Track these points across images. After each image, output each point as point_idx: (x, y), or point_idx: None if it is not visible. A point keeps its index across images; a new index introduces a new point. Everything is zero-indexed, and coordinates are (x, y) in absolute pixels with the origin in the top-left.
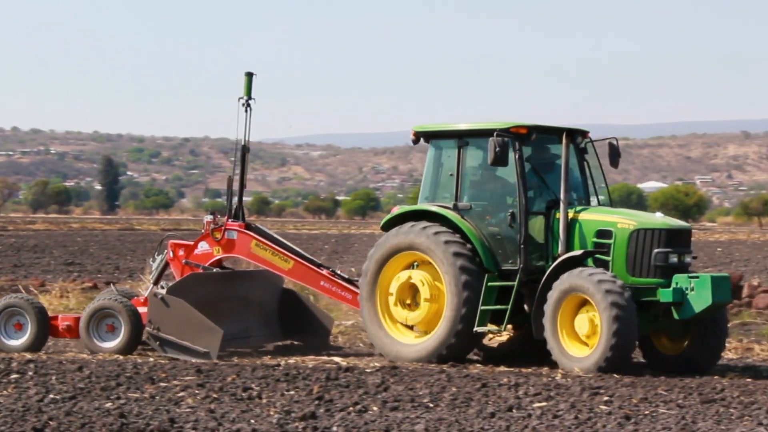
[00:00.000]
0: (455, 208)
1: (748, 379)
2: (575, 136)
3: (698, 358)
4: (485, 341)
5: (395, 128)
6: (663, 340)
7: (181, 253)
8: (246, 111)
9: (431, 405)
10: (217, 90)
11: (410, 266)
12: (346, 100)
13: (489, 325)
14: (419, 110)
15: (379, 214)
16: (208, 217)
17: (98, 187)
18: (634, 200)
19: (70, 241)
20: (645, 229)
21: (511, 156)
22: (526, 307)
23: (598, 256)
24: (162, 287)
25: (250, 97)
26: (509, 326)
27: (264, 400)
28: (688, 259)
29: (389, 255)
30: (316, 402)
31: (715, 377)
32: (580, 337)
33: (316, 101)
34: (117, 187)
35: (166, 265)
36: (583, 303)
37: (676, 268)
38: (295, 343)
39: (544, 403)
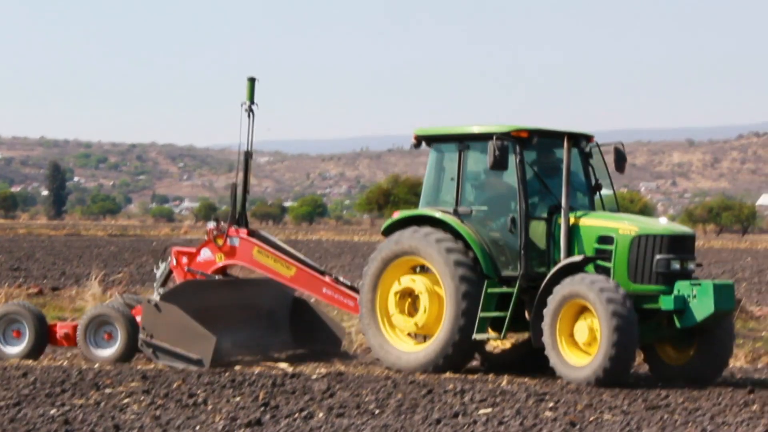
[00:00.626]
0: (455, 213)
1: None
2: (579, 140)
3: (704, 368)
4: (489, 349)
5: (342, 134)
6: (668, 349)
7: (184, 260)
8: (249, 116)
9: (377, 411)
10: (164, 96)
11: (410, 272)
12: (293, 106)
13: (489, 332)
14: (367, 117)
15: (326, 220)
16: (211, 224)
17: (45, 192)
18: None
19: (16, 247)
20: (647, 235)
21: (512, 160)
22: (527, 314)
23: (599, 262)
24: (158, 294)
25: (252, 102)
26: (513, 334)
27: (209, 407)
28: (691, 266)
29: (389, 260)
30: (262, 408)
31: (660, 390)
32: (579, 345)
33: (263, 107)
34: (64, 193)
35: (170, 273)
36: (583, 310)
37: (678, 275)
38: (301, 350)
39: (489, 410)
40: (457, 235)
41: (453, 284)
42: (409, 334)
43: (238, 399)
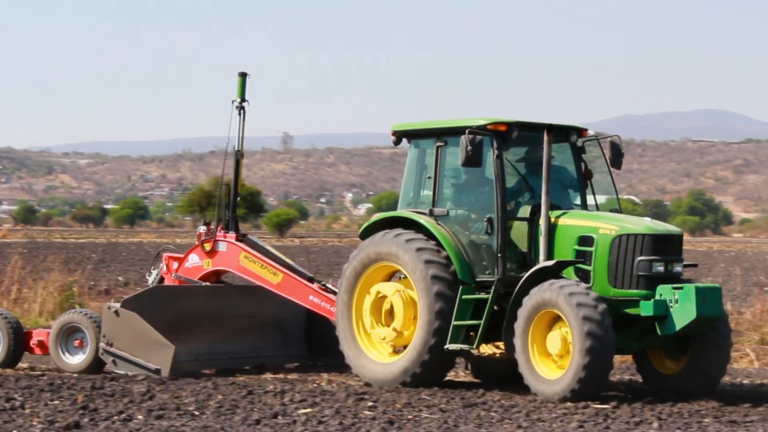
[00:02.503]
0: (431, 214)
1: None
2: (569, 133)
3: (699, 376)
4: (483, 359)
5: (164, 136)
6: (661, 358)
7: (175, 266)
8: (240, 114)
9: (197, 413)
10: None
11: (388, 278)
12: (113, 107)
13: (462, 343)
14: (188, 119)
15: (148, 222)
16: (202, 228)
17: None
18: None
19: None
20: (628, 234)
21: (489, 156)
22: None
23: (579, 265)
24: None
25: (243, 99)
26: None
27: (27, 410)
28: (677, 268)
29: (364, 266)
30: (81, 411)
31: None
32: (553, 357)
33: (82, 109)
34: None
35: (162, 279)
36: (556, 319)
37: (662, 278)
38: (307, 361)
39: (309, 410)
40: (432, 237)
41: (426, 290)
42: (391, 345)
43: (56, 402)
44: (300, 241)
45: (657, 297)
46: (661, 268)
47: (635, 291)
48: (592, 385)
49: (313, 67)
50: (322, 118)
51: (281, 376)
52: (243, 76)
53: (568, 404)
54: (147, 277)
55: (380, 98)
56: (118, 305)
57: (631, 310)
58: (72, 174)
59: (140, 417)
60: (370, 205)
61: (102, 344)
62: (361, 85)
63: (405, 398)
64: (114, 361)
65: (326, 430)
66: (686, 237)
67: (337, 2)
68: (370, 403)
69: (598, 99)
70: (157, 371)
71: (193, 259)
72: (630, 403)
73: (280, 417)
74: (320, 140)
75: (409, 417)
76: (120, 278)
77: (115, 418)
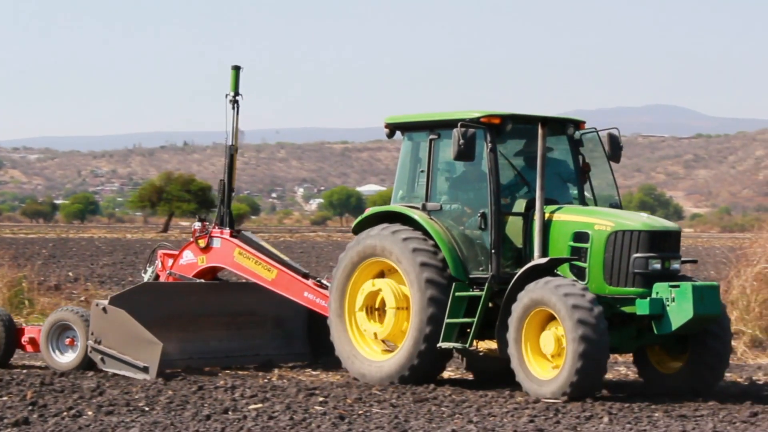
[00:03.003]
0: (423, 209)
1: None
2: (566, 126)
3: (699, 375)
4: (478, 356)
5: (114, 131)
6: (660, 356)
7: (170, 263)
8: (233, 108)
9: (147, 409)
10: None
11: (381, 274)
12: (64, 102)
13: (456, 341)
14: (139, 114)
15: (99, 218)
16: (197, 225)
17: None
18: (354, 203)
19: None
20: (623, 231)
21: (483, 150)
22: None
23: (575, 262)
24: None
25: (237, 93)
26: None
27: None
28: (675, 266)
29: (358, 261)
30: (30, 407)
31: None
32: (546, 357)
33: (32, 103)
34: None
35: (158, 277)
36: (550, 318)
37: (659, 276)
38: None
39: (259, 405)
40: (426, 233)
41: (418, 287)
42: (383, 342)
43: (5, 398)
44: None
45: (653, 295)
46: (657, 266)
47: (631, 289)
48: (584, 388)
49: (263, 62)
50: (272, 113)
51: (233, 372)
52: (236, 69)
53: (519, 399)
54: (143, 275)
55: (332, 94)
56: (105, 302)
57: (627, 309)
58: (22, 169)
59: (90, 413)
60: (321, 201)
61: (90, 342)
62: (313, 80)
63: (356, 393)
64: (102, 359)
65: (277, 425)
66: None
67: None
68: (321, 399)
69: (549, 94)
70: (146, 369)
71: (188, 256)
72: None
73: (230, 412)
74: (271, 135)
75: (360, 412)
76: (70, 273)
77: (65, 414)
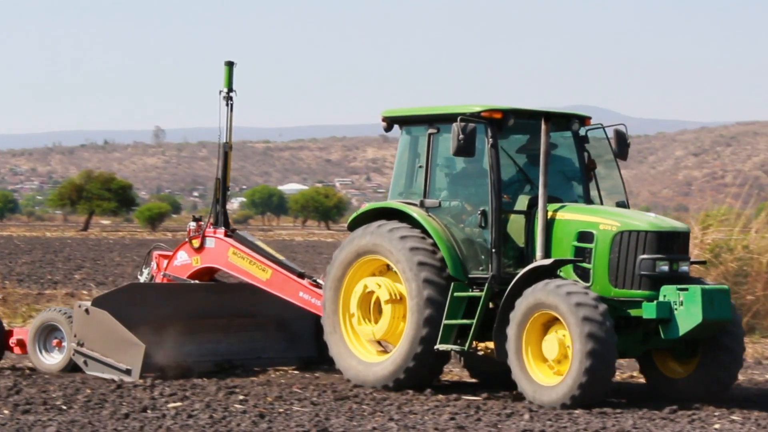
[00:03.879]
0: (421, 205)
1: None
2: (570, 121)
3: (708, 382)
4: (478, 357)
5: (34, 129)
6: (668, 361)
7: (165, 264)
8: (227, 105)
9: (64, 407)
10: None
11: (377, 272)
12: None
13: (454, 343)
14: (59, 112)
15: (18, 216)
16: (192, 224)
17: None
18: (275, 202)
19: None
20: (630, 231)
21: (484, 145)
22: None
23: (579, 263)
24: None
25: (231, 89)
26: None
27: None
28: (684, 267)
29: (353, 259)
30: None
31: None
32: (548, 362)
33: None
34: None
35: (153, 278)
36: (553, 321)
37: (667, 278)
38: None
39: (179, 403)
40: (424, 231)
41: (415, 287)
42: (379, 343)
43: None
44: (172, 234)
45: (661, 298)
46: (665, 268)
47: (638, 291)
48: (594, 390)
49: (185, 60)
50: (194, 112)
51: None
52: (230, 65)
53: (440, 396)
54: (138, 277)
55: (252, 92)
56: (88, 303)
57: (633, 312)
58: None
59: (6, 412)
60: (243, 199)
61: (72, 344)
62: (235, 79)
63: (276, 391)
64: (85, 362)
65: (196, 423)
66: None
67: None
68: (241, 397)
69: (469, 95)
70: (128, 372)
71: (182, 257)
72: (502, 395)
73: (149, 411)
74: (193, 134)
75: (281, 410)
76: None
77: None
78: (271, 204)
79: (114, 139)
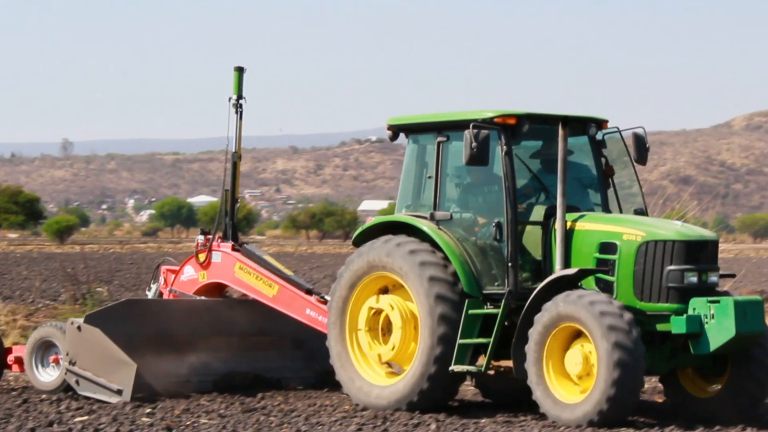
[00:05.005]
0: (432, 218)
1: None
2: (587, 126)
3: (737, 401)
4: (491, 376)
5: None
6: (693, 378)
7: (172, 279)
8: (236, 113)
9: None
10: None
11: (385, 290)
12: None
13: (469, 365)
14: None
15: None
16: (200, 238)
17: None
18: (185, 214)
19: None
20: (655, 241)
21: (497, 153)
22: None
23: (600, 275)
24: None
25: (240, 96)
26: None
27: None
28: (713, 278)
29: (359, 277)
30: None
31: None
32: (571, 378)
33: None
34: None
35: (161, 294)
36: (577, 335)
37: (696, 290)
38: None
39: (86, 417)
40: (435, 245)
41: (428, 305)
42: (388, 365)
43: None
44: (81, 248)
45: (690, 312)
46: (694, 279)
47: (665, 305)
48: (621, 405)
49: (92, 71)
50: (102, 124)
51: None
52: (239, 71)
53: (347, 407)
54: (146, 293)
55: (161, 104)
56: (80, 320)
57: (660, 327)
58: None
59: None
60: (152, 212)
61: (64, 363)
62: (143, 90)
63: (184, 404)
64: (77, 382)
65: None
66: None
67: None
68: (149, 410)
69: (379, 106)
70: (120, 392)
71: (189, 272)
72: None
73: (55, 425)
74: (101, 146)
75: (188, 423)
76: None
77: None
78: (181, 216)
79: (21, 152)
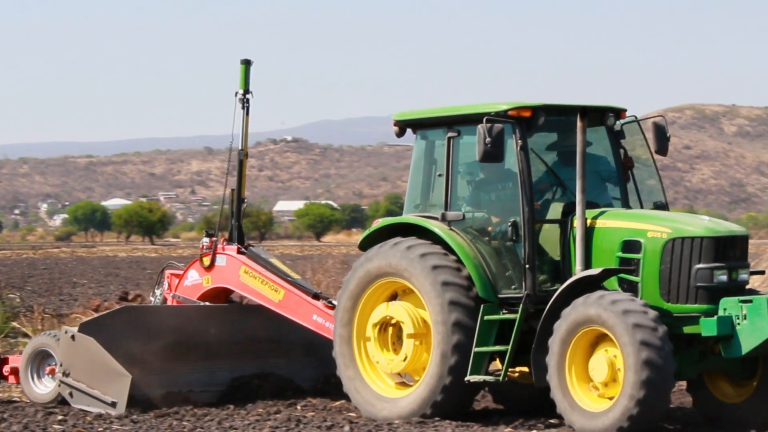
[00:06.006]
0: (443, 219)
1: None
2: (605, 116)
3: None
4: (505, 384)
5: None
6: (721, 383)
7: (176, 284)
8: (243, 108)
9: None
10: None
11: (395, 296)
12: None
13: (485, 374)
14: None
15: None
16: (205, 240)
17: None
18: (99, 218)
19: None
20: (683, 237)
21: (512, 147)
22: None
23: (624, 275)
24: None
25: (247, 91)
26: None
27: None
28: (743, 276)
29: (367, 282)
30: None
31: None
32: (595, 385)
33: None
34: None
35: (165, 300)
36: (601, 339)
37: (726, 290)
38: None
39: None
40: (447, 247)
41: (441, 311)
42: (399, 374)
43: None
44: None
45: (721, 312)
46: (724, 278)
47: (693, 306)
48: (652, 409)
49: (3, 75)
50: (14, 127)
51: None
52: (246, 63)
53: (260, 410)
54: (150, 298)
55: (74, 107)
56: (75, 329)
57: (688, 329)
58: None
59: None
60: (66, 216)
61: (58, 375)
62: (55, 93)
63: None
64: (71, 394)
65: None
66: None
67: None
68: (60, 417)
69: (295, 105)
70: (114, 404)
71: (193, 276)
72: (323, 408)
73: None
74: (13, 150)
75: (100, 430)
76: None
77: None
78: (95, 220)
79: None
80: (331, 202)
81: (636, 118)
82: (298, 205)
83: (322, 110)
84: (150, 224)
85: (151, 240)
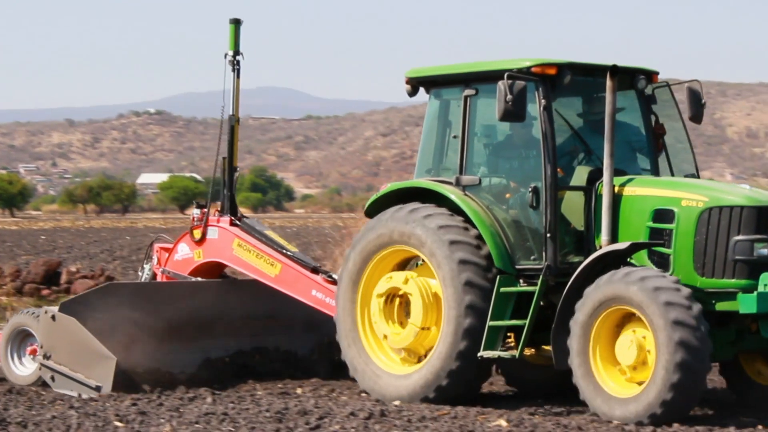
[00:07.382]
0: (457, 183)
1: None
2: (636, 78)
3: None
4: (519, 363)
5: None
6: (758, 364)
7: (166, 258)
8: (233, 70)
9: None
10: None
11: (403, 265)
12: None
13: (500, 350)
14: None
15: None
16: (195, 212)
17: None
18: None
19: None
20: (721, 207)
21: (534, 107)
22: None
23: (656, 248)
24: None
25: (237, 52)
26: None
27: None
28: None
29: (374, 250)
30: None
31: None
32: (623, 369)
33: None
34: None
35: (155, 276)
36: (628, 318)
37: (766, 264)
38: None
39: None
40: (460, 213)
41: (454, 290)
42: (403, 350)
43: None
44: None
45: (761, 288)
46: (765, 251)
47: (731, 281)
48: (679, 409)
49: None
50: None
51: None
52: (236, 23)
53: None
54: (139, 274)
55: None
56: (55, 309)
57: (721, 306)
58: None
59: None
60: None
61: (38, 358)
62: None
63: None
64: (52, 378)
65: None
66: (248, 213)
67: None
68: None
69: (159, 78)
70: (98, 389)
71: (183, 250)
72: (190, 386)
73: None
74: None
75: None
76: None
77: None
78: None
79: None
80: (195, 175)
81: (668, 83)
82: (162, 177)
83: (186, 83)
84: (10, 197)
85: (12, 212)
